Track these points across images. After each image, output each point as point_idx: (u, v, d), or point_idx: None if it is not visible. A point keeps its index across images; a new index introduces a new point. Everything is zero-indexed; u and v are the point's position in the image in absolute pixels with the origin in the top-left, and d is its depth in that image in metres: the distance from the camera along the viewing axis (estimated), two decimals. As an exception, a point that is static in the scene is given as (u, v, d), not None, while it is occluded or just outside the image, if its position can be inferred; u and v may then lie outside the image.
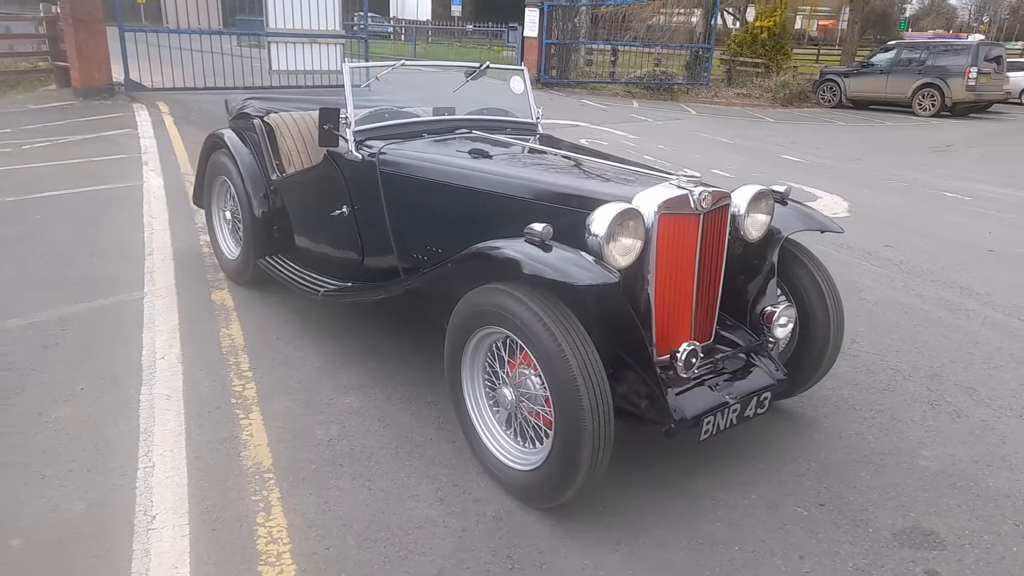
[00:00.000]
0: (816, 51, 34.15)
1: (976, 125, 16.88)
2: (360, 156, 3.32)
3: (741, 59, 21.24)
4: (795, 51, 24.39)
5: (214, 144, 4.35)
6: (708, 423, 2.43)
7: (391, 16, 36.60)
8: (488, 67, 3.88)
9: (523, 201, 2.78)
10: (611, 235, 2.33)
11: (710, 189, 2.54)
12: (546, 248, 2.28)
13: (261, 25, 14.06)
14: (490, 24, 31.22)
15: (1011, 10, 70.51)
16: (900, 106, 18.69)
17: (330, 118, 3.24)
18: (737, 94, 20.04)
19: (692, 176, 2.56)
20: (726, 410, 2.48)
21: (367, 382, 3.30)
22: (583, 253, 2.29)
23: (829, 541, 2.38)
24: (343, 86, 3.44)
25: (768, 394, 2.61)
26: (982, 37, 38.13)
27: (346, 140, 3.33)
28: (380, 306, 3.49)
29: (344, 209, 3.45)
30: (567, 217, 2.57)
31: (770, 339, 2.76)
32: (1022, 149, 13.49)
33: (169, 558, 2.18)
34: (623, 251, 2.38)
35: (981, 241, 6.36)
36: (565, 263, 2.22)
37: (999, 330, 4.31)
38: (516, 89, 3.95)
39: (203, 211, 4.80)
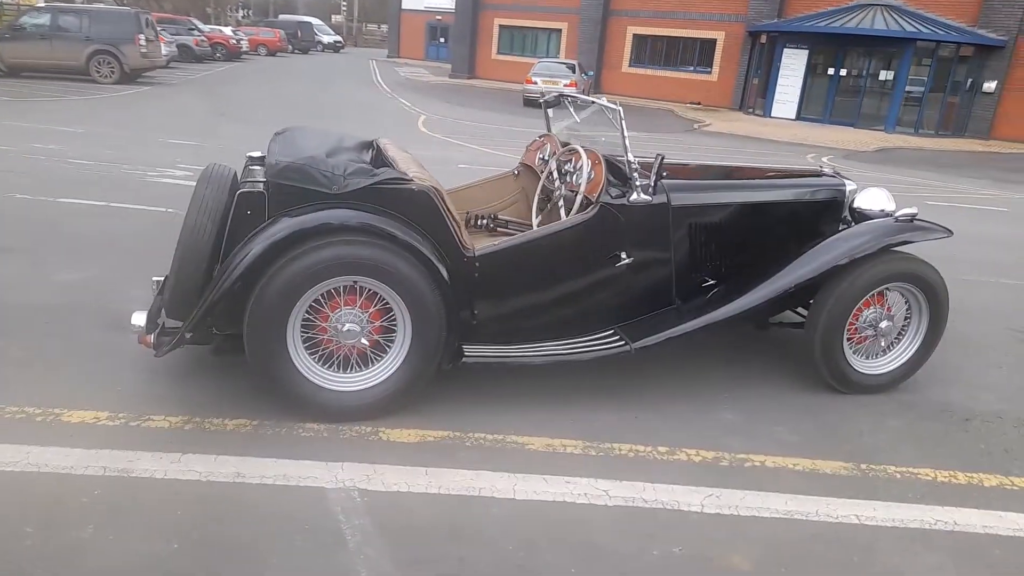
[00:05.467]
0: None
1: (175, 88, 18.08)
2: (649, 198, 3.23)
3: None
4: None
5: (323, 234, 2.77)
6: None
7: None
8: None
9: (802, 203, 3.70)
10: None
11: None
12: (912, 220, 3.55)
13: None
14: None
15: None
16: (75, 73, 17.91)
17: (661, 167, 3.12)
18: None
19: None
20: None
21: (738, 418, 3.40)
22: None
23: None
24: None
25: None
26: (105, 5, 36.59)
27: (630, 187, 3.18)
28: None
29: (624, 256, 3.24)
30: (809, 208, 3.77)
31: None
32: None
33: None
34: None
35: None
36: (939, 226, 3.59)
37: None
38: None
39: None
